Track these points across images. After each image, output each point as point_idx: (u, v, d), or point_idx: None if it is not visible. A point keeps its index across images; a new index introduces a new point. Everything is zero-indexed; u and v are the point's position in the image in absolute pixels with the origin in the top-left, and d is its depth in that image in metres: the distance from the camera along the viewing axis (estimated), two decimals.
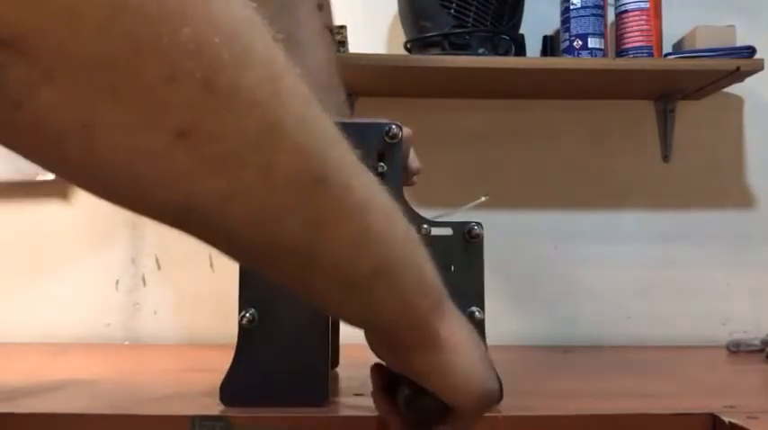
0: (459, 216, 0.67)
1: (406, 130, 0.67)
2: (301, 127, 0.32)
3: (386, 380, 0.53)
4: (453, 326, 0.45)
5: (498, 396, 0.50)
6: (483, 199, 0.74)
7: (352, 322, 0.44)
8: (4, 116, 0.26)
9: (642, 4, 1.19)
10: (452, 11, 1.15)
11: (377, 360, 0.49)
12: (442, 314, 0.44)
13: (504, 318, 1.27)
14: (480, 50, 1.16)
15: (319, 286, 0.39)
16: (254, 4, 0.31)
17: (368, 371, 0.55)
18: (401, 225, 0.41)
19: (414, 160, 0.73)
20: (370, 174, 0.38)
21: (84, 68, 0.25)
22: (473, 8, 1.15)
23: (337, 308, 0.43)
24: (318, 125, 0.34)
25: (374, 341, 0.47)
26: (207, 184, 0.30)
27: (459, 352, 0.46)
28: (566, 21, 1.20)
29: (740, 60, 1.14)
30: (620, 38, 1.21)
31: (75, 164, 0.29)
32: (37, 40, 0.24)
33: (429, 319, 0.43)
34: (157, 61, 0.26)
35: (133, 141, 0.28)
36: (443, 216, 0.70)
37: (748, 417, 0.59)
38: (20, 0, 0.23)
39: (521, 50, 1.22)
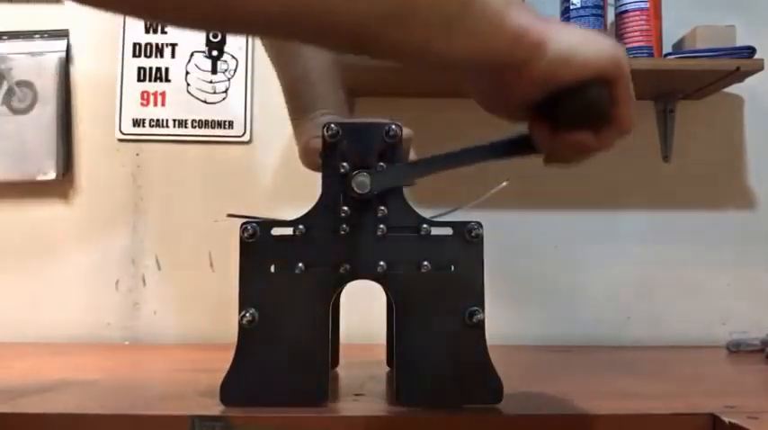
0: (458, 215, 0.67)
1: (407, 131, 0.67)
2: None
3: (544, 126, 0.54)
4: (538, 19, 0.49)
5: (621, 47, 0.54)
6: (504, 184, 0.74)
7: (463, 63, 0.48)
8: None
9: (642, 4, 1.19)
10: None
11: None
12: (526, 14, 0.48)
13: (504, 317, 1.27)
14: None
15: (421, 37, 0.44)
16: None
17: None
18: None
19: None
20: None
21: None
22: None
23: (444, 53, 0.46)
24: None
25: (500, 80, 0.50)
26: None
27: (560, 32, 0.49)
28: (566, 21, 1.20)
29: (740, 60, 1.14)
30: (620, 38, 1.21)
31: None
32: None
33: (522, 24, 0.47)
34: None
35: None
36: (458, 209, 0.70)
37: (748, 417, 0.59)
38: None
39: None
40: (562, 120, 0.53)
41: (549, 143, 0.55)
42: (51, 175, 1.28)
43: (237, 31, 0.40)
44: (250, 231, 0.63)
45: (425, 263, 0.64)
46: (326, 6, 0.39)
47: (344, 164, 0.64)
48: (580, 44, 0.50)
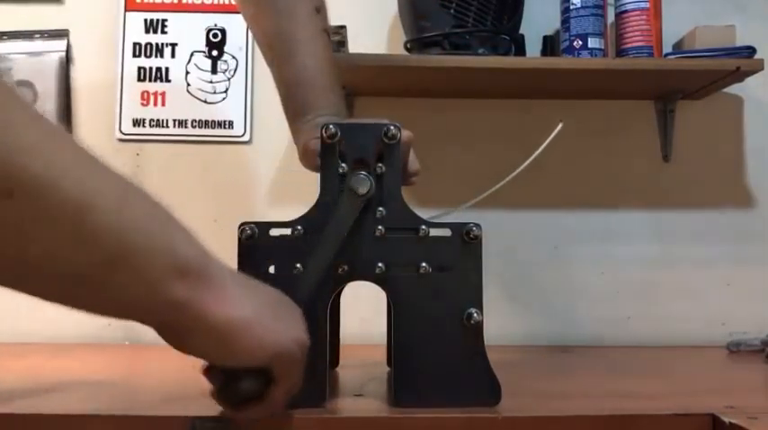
0: (457, 216, 0.67)
1: (406, 133, 0.67)
2: None
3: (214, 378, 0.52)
4: (221, 296, 0.45)
5: (301, 337, 0.51)
6: (559, 127, 0.76)
7: (106, 314, 0.44)
8: None
9: (642, 4, 1.19)
10: (452, 11, 1.15)
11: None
12: (204, 287, 0.44)
13: (504, 318, 1.27)
14: (480, 50, 1.16)
15: (46, 285, 0.40)
16: None
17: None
18: (141, 210, 0.42)
19: (413, 162, 0.73)
20: (99, 164, 0.39)
21: None
22: (473, 8, 1.14)
23: (77, 302, 0.42)
24: (13, 137, 0.34)
25: (158, 332, 0.47)
26: None
27: (233, 318, 0.45)
28: (566, 21, 1.20)
29: (740, 60, 1.14)
30: (620, 38, 1.21)
31: None
32: None
33: (190, 298, 0.43)
34: None
35: None
36: (463, 206, 0.70)
37: (748, 417, 0.59)
38: None
39: (521, 50, 1.22)
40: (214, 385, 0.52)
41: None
42: None
43: None
44: (248, 232, 0.63)
45: (424, 264, 0.64)
46: None
47: (343, 164, 0.64)
48: (245, 337, 0.46)
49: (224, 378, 0.50)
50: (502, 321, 1.24)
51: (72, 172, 0.37)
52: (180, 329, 0.45)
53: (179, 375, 0.87)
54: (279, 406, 0.53)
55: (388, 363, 0.82)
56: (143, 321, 0.46)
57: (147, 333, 0.46)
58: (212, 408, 0.61)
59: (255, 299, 0.49)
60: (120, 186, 0.41)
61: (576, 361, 1.07)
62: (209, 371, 0.53)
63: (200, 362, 0.52)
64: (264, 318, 0.48)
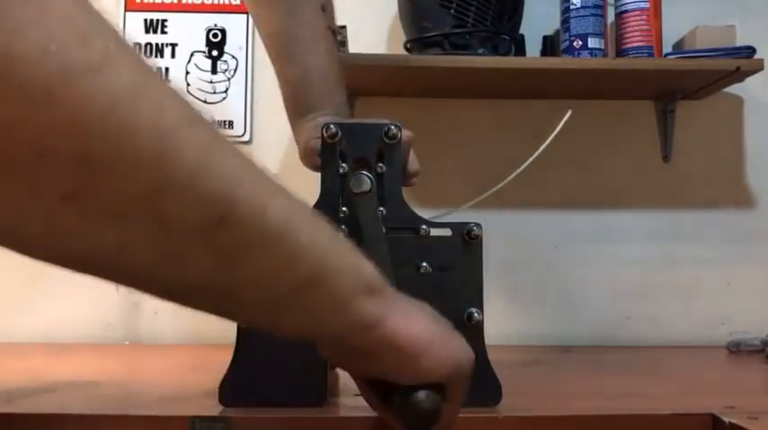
0: (457, 216, 0.67)
1: (406, 133, 0.67)
2: (197, 174, 0.33)
3: (372, 395, 0.52)
4: (405, 313, 0.46)
5: (471, 354, 0.51)
6: (568, 114, 0.76)
7: (301, 335, 0.44)
8: None
9: (642, 4, 1.19)
10: (452, 11, 1.15)
11: None
12: (389, 305, 0.45)
13: (504, 318, 1.27)
14: (480, 50, 1.16)
15: (247, 309, 0.40)
16: (145, 60, 0.32)
17: None
18: (326, 232, 0.42)
19: (414, 162, 0.73)
20: (287, 192, 0.39)
21: None
22: (473, 8, 1.15)
23: (276, 324, 0.43)
24: (220, 164, 0.34)
25: (339, 357, 0.47)
26: (95, 238, 0.32)
27: (417, 336, 0.46)
28: (566, 21, 1.20)
29: (740, 60, 1.14)
30: (620, 38, 1.21)
31: None
32: None
33: (380, 316, 0.44)
34: (27, 140, 0.28)
35: (17, 206, 0.30)
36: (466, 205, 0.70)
37: (748, 417, 0.59)
38: None
39: (521, 50, 1.22)
40: (390, 409, 0.51)
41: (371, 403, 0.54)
42: None
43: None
44: None
45: (424, 264, 0.64)
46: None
47: (343, 164, 0.64)
48: (430, 353, 0.46)
49: (400, 395, 0.49)
50: (502, 321, 1.24)
51: (273, 196, 0.38)
52: (368, 349, 0.45)
53: (179, 375, 0.88)
54: (451, 424, 0.53)
55: None
56: (332, 342, 0.46)
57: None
58: (212, 408, 0.61)
59: (426, 315, 0.49)
60: (308, 208, 0.42)
61: (576, 361, 1.07)
62: (363, 383, 0.52)
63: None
64: (438, 334, 0.48)
